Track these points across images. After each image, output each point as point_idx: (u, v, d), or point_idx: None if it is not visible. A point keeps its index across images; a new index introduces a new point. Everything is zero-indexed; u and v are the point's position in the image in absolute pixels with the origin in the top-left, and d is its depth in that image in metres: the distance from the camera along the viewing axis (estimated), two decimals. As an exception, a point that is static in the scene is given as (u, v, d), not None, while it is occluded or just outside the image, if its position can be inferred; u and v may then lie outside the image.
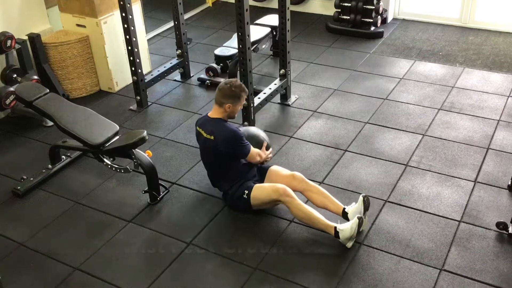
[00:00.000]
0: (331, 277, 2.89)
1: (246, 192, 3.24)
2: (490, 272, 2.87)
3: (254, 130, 3.63)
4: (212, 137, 3.25)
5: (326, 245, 3.09)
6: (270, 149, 3.51)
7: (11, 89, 4.19)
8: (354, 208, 3.13)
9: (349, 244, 3.03)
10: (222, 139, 3.23)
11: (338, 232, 3.02)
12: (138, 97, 4.59)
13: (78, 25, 4.72)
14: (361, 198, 3.12)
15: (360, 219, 3.01)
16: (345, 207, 3.17)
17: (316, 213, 3.10)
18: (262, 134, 3.60)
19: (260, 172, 3.42)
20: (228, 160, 3.31)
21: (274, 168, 3.42)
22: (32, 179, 3.71)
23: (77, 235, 3.30)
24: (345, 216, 3.15)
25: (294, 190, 3.21)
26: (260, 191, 3.22)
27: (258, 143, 3.43)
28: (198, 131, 3.37)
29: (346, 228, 3.01)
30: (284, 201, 3.12)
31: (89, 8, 4.58)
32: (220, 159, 3.31)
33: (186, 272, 2.98)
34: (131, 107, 4.65)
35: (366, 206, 3.12)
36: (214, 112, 3.32)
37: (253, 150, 3.31)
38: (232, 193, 3.31)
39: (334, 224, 3.05)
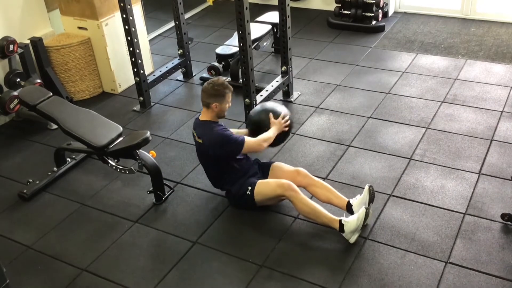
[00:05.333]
0: (337, 273, 2.90)
1: (250, 188, 3.24)
2: (496, 263, 2.88)
3: (258, 107, 3.55)
4: (201, 141, 3.28)
5: (331, 240, 3.10)
6: (283, 115, 3.39)
7: (15, 93, 4.21)
8: (359, 200, 3.14)
9: (353, 239, 3.04)
10: (209, 143, 3.24)
11: (342, 225, 3.02)
12: (141, 98, 4.61)
13: (79, 27, 4.74)
14: (366, 187, 3.13)
15: (367, 209, 3.02)
16: (350, 200, 3.18)
17: (321, 208, 3.11)
18: (268, 106, 3.49)
19: (263, 169, 3.43)
20: (224, 160, 3.30)
21: (277, 164, 3.43)
22: (38, 182, 3.74)
23: (84, 236, 3.32)
24: (349, 210, 3.16)
25: (298, 186, 3.23)
26: (264, 187, 3.22)
27: (264, 116, 3.39)
28: (193, 133, 3.40)
29: (352, 220, 3.01)
30: (289, 196, 3.13)
31: (90, 11, 4.60)
32: (215, 160, 3.31)
33: (193, 271, 3.00)
34: (134, 108, 4.67)
35: (372, 196, 3.13)
36: (203, 115, 3.33)
37: (249, 141, 3.26)
38: (235, 192, 3.32)
39: (338, 218, 3.07)
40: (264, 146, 3.30)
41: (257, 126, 3.42)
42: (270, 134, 3.32)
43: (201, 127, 3.31)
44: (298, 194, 3.12)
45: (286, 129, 3.42)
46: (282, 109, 3.46)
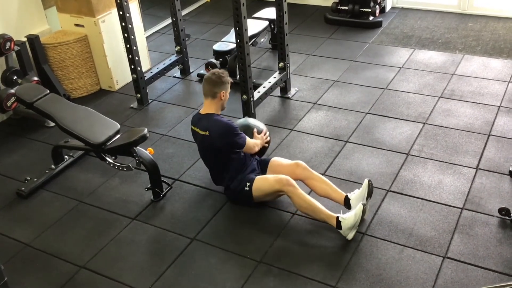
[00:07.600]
0: (335, 268, 2.91)
1: (248, 184, 3.25)
2: (493, 258, 2.88)
3: (242, 120, 3.70)
4: (207, 133, 3.28)
5: (329, 236, 3.10)
6: (264, 131, 3.57)
7: (12, 91, 4.21)
8: (358, 194, 3.14)
9: (350, 236, 3.04)
10: (217, 133, 3.26)
11: (340, 222, 3.03)
12: (139, 95, 4.60)
13: (76, 24, 4.73)
14: (366, 181, 3.13)
15: (364, 205, 3.02)
16: (348, 194, 3.18)
17: (319, 204, 3.12)
18: (251, 122, 3.65)
19: (261, 165, 3.44)
20: (227, 155, 3.33)
21: (276, 159, 3.44)
22: (35, 179, 3.74)
23: (82, 234, 3.32)
24: (347, 204, 3.16)
25: (296, 179, 3.25)
26: (262, 182, 3.23)
27: (248, 131, 3.49)
28: (193, 130, 3.40)
29: (349, 217, 3.01)
30: (287, 191, 3.13)
31: (86, 8, 4.59)
32: (219, 154, 3.33)
33: (191, 267, 3.00)
34: (131, 105, 4.66)
35: (370, 190, 3.14)
36: (206, 108, 3.34)
37: (249, 140, 3.38)
38: (234, 188, 3.32)
39: (336, 215, 3.07)
40: (256, 149, 3.43)
41: None
42: (258, 142, 3.45)
43: (205, 119, 3.32)
44: (296, 189, 3.12)
45: (266, 145, 3.58)
46: (263, 126, 3.64)
